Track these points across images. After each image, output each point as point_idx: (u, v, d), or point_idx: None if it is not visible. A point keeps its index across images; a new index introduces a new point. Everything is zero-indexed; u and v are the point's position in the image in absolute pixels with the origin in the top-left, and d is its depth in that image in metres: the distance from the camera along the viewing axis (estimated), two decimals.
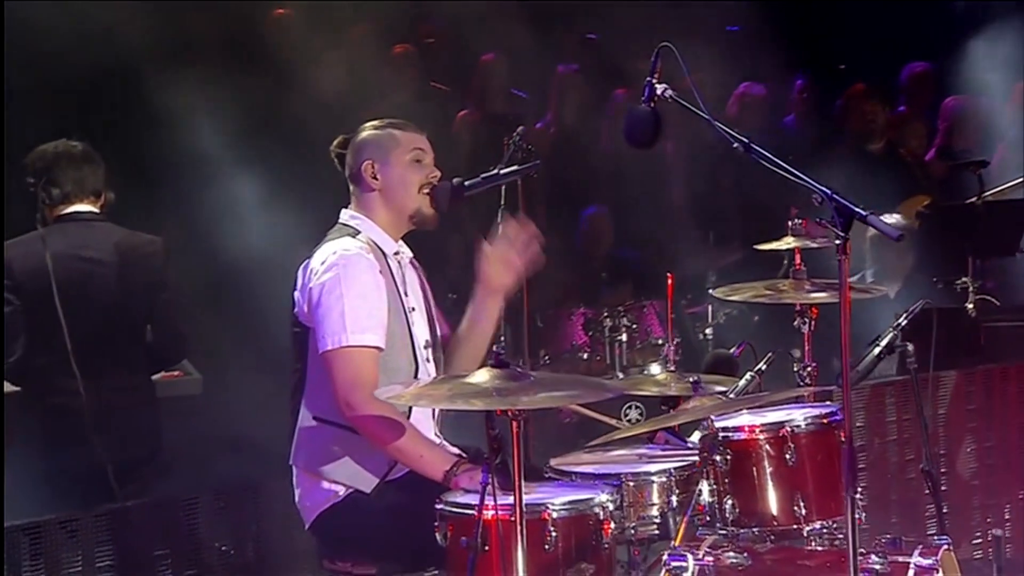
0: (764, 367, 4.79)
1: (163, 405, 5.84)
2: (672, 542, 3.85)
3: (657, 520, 4.34)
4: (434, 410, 4.52)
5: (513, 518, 3.73)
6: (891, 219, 7.72)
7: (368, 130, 4.55)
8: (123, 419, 5.39)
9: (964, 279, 7.03)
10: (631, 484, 4.37)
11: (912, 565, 3.95)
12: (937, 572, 3.93)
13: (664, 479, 4.38)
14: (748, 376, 4.77)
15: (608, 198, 8.80)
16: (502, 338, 7.69)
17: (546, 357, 7.87)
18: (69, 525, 4.75)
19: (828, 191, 3.59)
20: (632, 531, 4.36)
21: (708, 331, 8.12)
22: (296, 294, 4.40)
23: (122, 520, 4.87)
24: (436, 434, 4.52)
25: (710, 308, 8.12)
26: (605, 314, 7.72)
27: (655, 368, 7.42)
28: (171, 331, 5.63)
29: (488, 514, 3.73)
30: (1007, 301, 7.30)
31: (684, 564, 3.75)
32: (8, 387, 5.48)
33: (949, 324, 6.93)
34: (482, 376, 3.65)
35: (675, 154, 9.58)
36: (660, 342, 7.85)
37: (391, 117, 8.18)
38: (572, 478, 4.38)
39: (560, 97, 9.17)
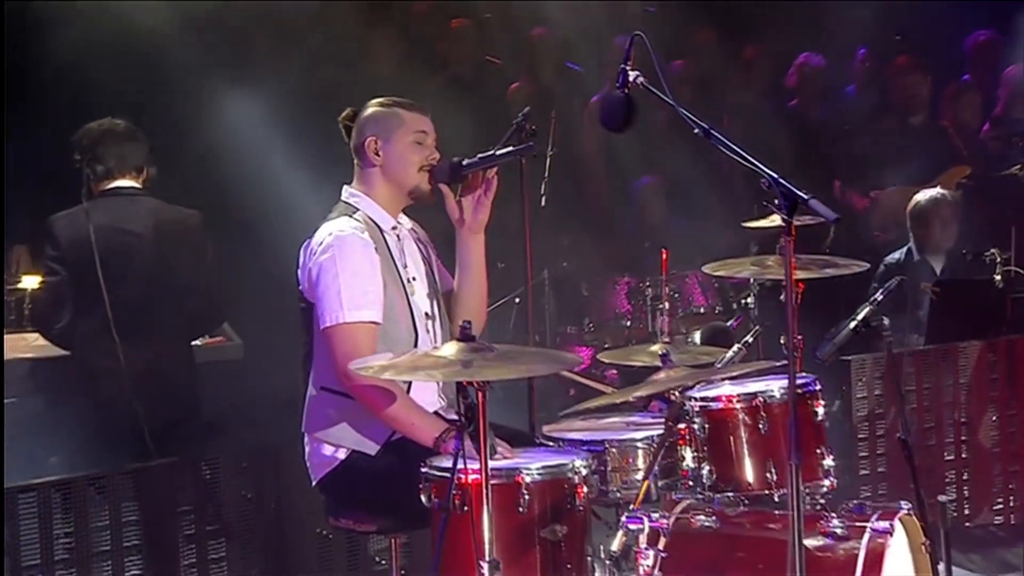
0: (751, 340, 4.96)
1: (206, 370, 6.10)
2: (632, 505, 3.99)
3: (637, 484, 4.55)
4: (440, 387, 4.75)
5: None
6: (932, 191, 7.81)
7: (375, 107, 4.70)
8: (161, 383, 5.60)
9: (992, 251, 7.08)
10: (615, 450, 4.60)
11: (868, 528, 4.12)
12: (891, 535, 4.09)
13: (647, 445, 4.59)
14: (735, 348, 4.94)
15: (662, 168, 8.94)
16: (545, 307, 7.98)
17: (590, 324, 8.08)
18: (98, 482, 5.02)
19: (774, 176, 3.72)
20: (617, 494, 4.59)
21: (750, 299, 8.23)
22: (299, 273, 4.62)
23: (147, 478, 5.13)
24: (440, 400, 4.75)
25: (752, 278, 8.23)
26: (647, 283, 7.89)
27: (697, 336, 7.63)
28: (209, 300, 5.85)
29: (465, 478, 3.92)
30: None
31: (640, 526, 3.92)
32: (58, 351, 5.76)
33: (976, 295, 7.04)
34: (449, 349, 3.86)
35: (731, 124, 9.72)
36: (702, 310, 8.03)
37: (446, 89, 8.44)
38: (560, 445, 4.60)
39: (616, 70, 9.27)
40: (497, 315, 7.72)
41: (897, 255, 7.83)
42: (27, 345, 6.04)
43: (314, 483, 4.68)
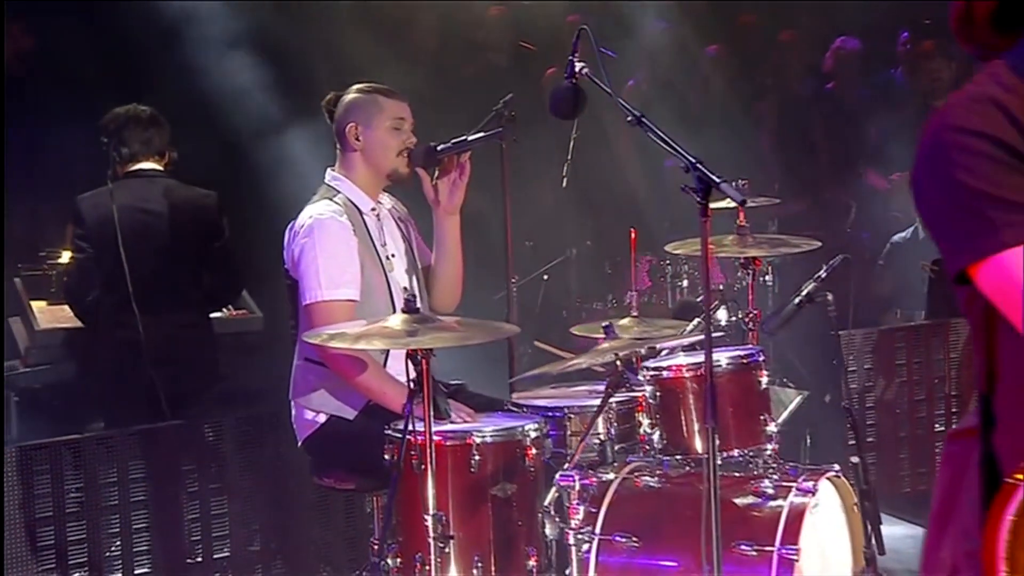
0: (712, 313, 5.17)
1: (228, 340, 6.43)
2: (566, 464, 4.22)
3: (598, 447, 4.79)
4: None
5: (442, 442, 4.26)
6: None
7: (355, 93, 4.95)
8: (179, 353, 5.88)
9: None
10: (574, 416, 4.84)
11: (793, 488, 4.32)
12: (814, 494, 4.29)
13: (606, 411, 4.82)
14: (696, 321, 5.16)
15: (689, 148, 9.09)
16: (572, 284, 8.22)
17: (613, 301, 8.29)
18: (106, 442, 5.36)
19: (692, 160, 3.93)
20: (575, 457, 4.82)
21: (768, 277, 8.37)
22: (284, 253, 4.92)
23: (153, 438, 5.46)
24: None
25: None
26: (668, 261, 8.08)
27: (720, 313, 7.81)
28: (225, 274, 6.13)
29: (415, 439, 4.19)
30: None
31: (572, 484, 4.15)
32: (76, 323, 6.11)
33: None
34: (395, 320, 4.13)
35: (767, 107, 9.86)
36: (721, 288, 8.20)
37: (481, 74, 8.60)
38: (524, 410, 4.85)
39: (650, 55, 9.47)
40: (527, 289, 7.98)
41: (904, 234, 7.96)
42: (65, 316, 6.36)
43: (299, 444, 4.98)
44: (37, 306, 6.54)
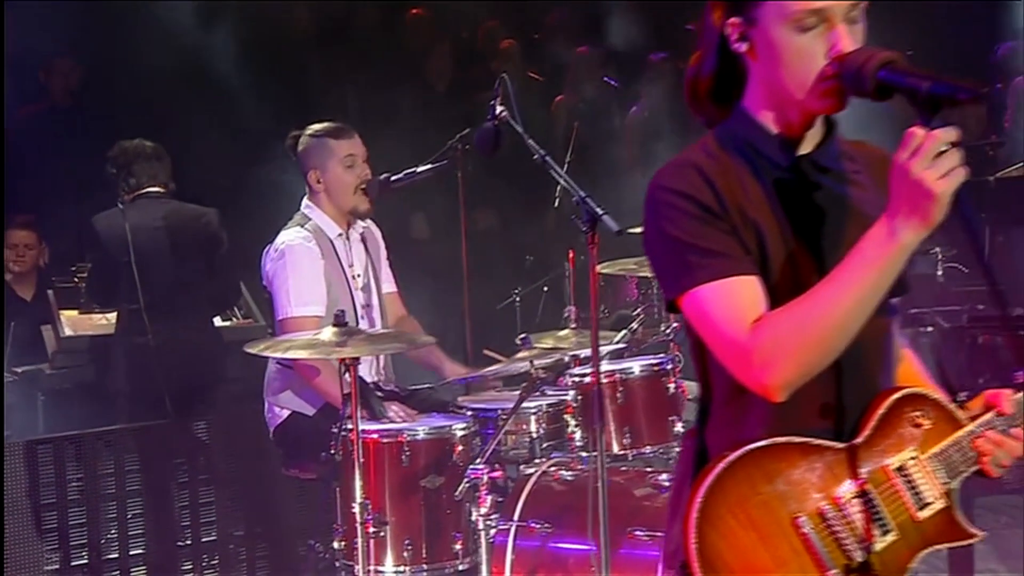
0: (636, 327, 5.56)
1: (236, 346, 6.88)
2: (478, 460, 4.63)
3: (528, 444, 5.21)
4: (378, 358, 5.47)
5: (378, 440, 4.71)
6: None
7: (307, 139, 5.41)
8: (184, 356, 6.27)
9: (936, 249, 7.47)
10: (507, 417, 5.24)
11: None
12: None
13: (537, 412, 5.24)
14: (623, 333, 5.55)
15: None
16: (568, 295, 8.60)
17: (605, 311, 8.67)
18: (105, 437, 5.85)
19: (582, 195, 4.33)
20: (511, 452, 5.25)
21: None
22: (262, 270, 5.40)
23: (148, 434, 5.94)
24: (378, 375, 5.47)
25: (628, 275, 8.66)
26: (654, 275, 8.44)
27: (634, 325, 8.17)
28: (225, 283, 6.58)
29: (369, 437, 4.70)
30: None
31: (481, 477, 4.57)
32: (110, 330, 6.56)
33: (918, 288, 7.45)
34: (327, 333, 4.57)
35: None
36: (635, 302, 8.55)
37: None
38: (464, 412, 5.28)
39: (648, 84, 9.85)
40: (529, 300, 8.39)
41: None
42: (89, 323, 6.86)
43: (270, 435, 5.44)
44: (67, 315, 7.03)
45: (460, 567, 4.76)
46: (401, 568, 4.69)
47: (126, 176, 6.38)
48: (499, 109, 4.88)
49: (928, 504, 2.53)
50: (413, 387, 5.59)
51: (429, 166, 5.42)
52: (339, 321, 4.54)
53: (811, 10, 2.42)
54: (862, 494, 2.49)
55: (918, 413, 2.56)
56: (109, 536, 5.81)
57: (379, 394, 5.19)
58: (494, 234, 9.21)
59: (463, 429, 4.87)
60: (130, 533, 5.85)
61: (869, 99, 2.39)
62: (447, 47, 9.64)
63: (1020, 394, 2.59)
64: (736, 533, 2.44)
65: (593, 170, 9.34)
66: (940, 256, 7.38)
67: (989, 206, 7.96)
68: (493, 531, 4.61)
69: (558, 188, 8.57)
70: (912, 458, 2.53)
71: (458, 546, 4.77)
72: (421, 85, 9.38)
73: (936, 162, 2.25)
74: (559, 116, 9.60)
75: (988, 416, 2.57)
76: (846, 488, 2.49)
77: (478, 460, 4.61)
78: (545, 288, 8.79)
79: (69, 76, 8.80)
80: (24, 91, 8.18)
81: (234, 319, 7.08)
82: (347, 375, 4.48)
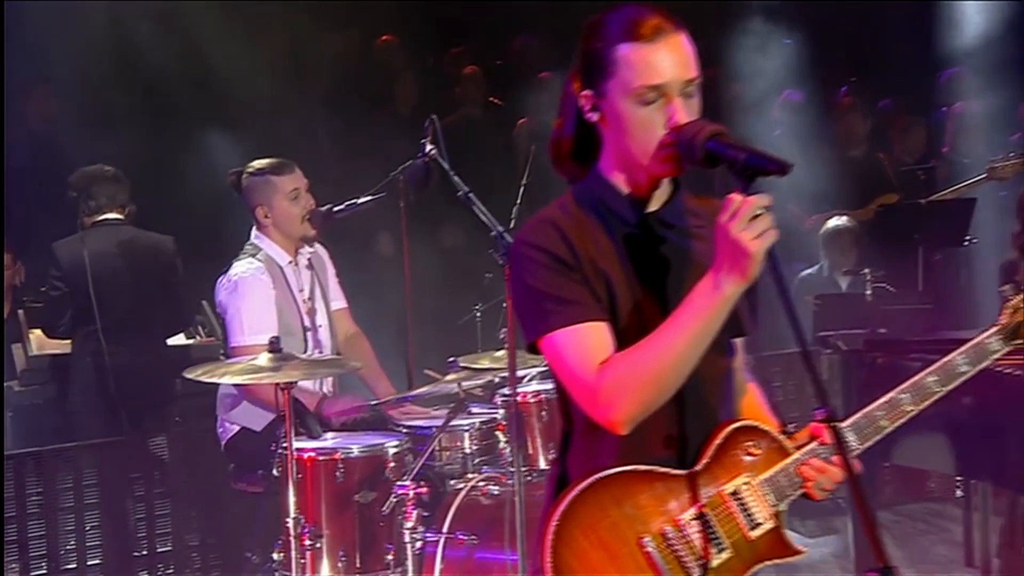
0: None
1: (200, 363, 7.11)
2: (406, 476, 4.88)
3: (461, 460, 5.47)
4: (322, 381, 5.72)
5: (314, 457, 4.96)
6: (837, 220, 8.50)
7: (252, 175, 5.65)
8: (139, 375, 6.49)
9: (866, 270, 7.74)
10: (444, 434, 5.48)
11: None
12: None
13: (470, 431, 5.49)
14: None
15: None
16: None
17: None
18: (64, 453, 6.10)
19: (499, 230, 4.58)
20: (444, 468, 5.51)
21: None
22: (215, 298, 5.66)
23: (105, 450, 6.19)
24: (326, 391, 5.72)
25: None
26: None
27: None
28: (179, 307, 6.84)
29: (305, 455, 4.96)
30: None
31: (407, 492, 4.83)
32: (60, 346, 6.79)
33: (848, 308, 7.74)
34: (262, 359, 4.82)
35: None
36: None
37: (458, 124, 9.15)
38: (401, 430, 5.53)
39: None
40: (490, 315, 8.62)
41: (810, 271, 8.52)
42: (52, 343, 7.06)
43: (222, 449, 5.69)
44: (35, 334, 7.27)
45: None
46: None
47: (86, 199, 6.55)
48: (429, 147, 5.14)
49: (759, 524, 2.80)
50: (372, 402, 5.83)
51: (370, 197, 5.66)
52: (274, 347, 4.78)
53: (651, 86, 2.68)
54: (700, 516, 2.76)
55: (751, 443, 2.82)
56: (67, 547, 6.05)
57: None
58: (459, 251, 9.41)
59: (396, 446, 5.12)
60: (88, 544, 6.08)
61: (700, 167, 2.64)
62: (413, 73, 9.88)
63: (841, 425, 2.86)
64: (587, 552, 2.71)
65: (552, 191, 9.57)
66: (869, 277, 7.64)
67: (922, 227, 8.23)
68: (419, 543, 4.86)
69: (514, 208, 8.86)
70: (745, 483, 2.80)
71: (390, 557, 5.00)
72: (388, 110, 9.61)
73: (751, 224, 2.51)
74: (521, 140, 9.84)
75: (812, 445, 2.83)
76: (686, 511, 2.75)
77: (405, 477, 4.86)
78: (504, 304, 9.00)
79: (46, 102, 9.04)
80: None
81: (198, 336, 7.31)
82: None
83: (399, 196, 5.92)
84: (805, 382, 7.39)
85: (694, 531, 2.75)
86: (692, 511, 2.76)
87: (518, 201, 8.89)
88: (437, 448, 5.50)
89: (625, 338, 2.73)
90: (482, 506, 5.15)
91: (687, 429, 2.79)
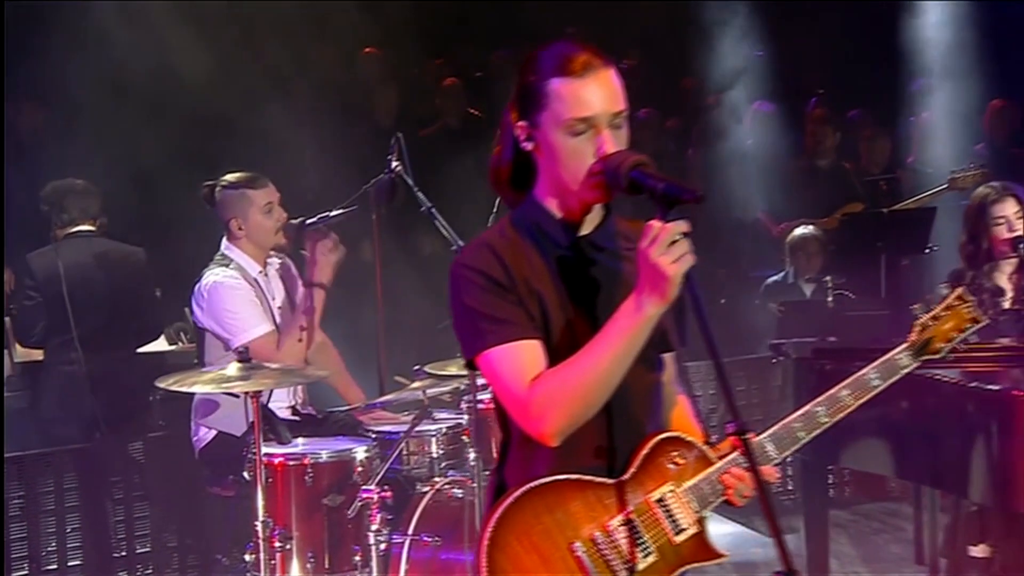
0: None
1: (179, 368, 7.22)
2: (371, 481, 5.02)
3: (428, 464, 5.61)
4: (293, 389, 5.85)
5: (285, 462, 5.10)
6: (803, 229, 8.65)
7: (226, 188, 5.77)
8: (114, 382, 6.61)
9: (828, 278, 7.90)
10: (410, 440, 5.63)
11: None
12: None
13: (436, 436, 5.64)
14: None
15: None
16: None
17: None
18: (45, 458, 6.23)
19: (460, 244, 4.72)
20: (412, 472, 5.65)
21: None
22: (192, 306, 5.78)
23: (85, 454, 6.32)
24: (296, 399, 5.86)
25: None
26: None
27: None
28: (150, 316, 6.97)
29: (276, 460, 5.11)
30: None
31: (372, 497, 4.97)
32: (33, 355, 6.91)
33: (811, 313, 7.89)
34: (232, 368, 4.95)
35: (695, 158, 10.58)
36: None
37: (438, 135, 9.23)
38: (371, 435, 5.67)
39: None
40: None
41: (776, 278, 8.67)
42: (25, 352, 7.17)
43: (196, 455, 5.82)
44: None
45: None
46: None
47: (59, 212, 6.68)
48: (395, 164, 5.29)
49: (684, 530, 2.95)
50: (329, 410, 5.98)
51: (341, 210, 5.78)
52: (243, 357, 4.92)
53: (580, 118, 2.83)
54: (628, 522, 2.90)
55: (676, 453, 2.97)
56: (49, 549, 6.17)
57: (296, 418, 5.57)
58: (435, 260, 9.52)
59: (364, 452, 5.27)
60: (69, 546, 6.21)
61: (625, 194, 2.79)
62: (395, 84, 10.00)
63: (759, 436, 3.01)
64: (521, 557, 2.86)
65: None
66: (831, 284, 7.79)
67: (884, 236, 8.37)
68: (383, 545, 5.00)
69: (491, 217, 8.97)
70: (670, 491, 2.95)
71: (357, 558, 5.15)
72: (370, 120, 9.72)
73: (669, 249, 2.66)
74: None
75: (733, 455, 2.98)
76: (615, 517, 2.90)
77: (371, 482, 5.00)
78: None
79: (34, 115, 9.17)
80: None
81: (180, 343, 7.44)
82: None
83: (372, 208, 6.03)
84: (768, 386, 7.55)
85: (622, 536, 2.89)
86: (620, 517, 2.90)
87: (494, 210, 9.05)
88: (405, 452, 5.64)
89: (558, 355, 2.87)
90: (446, 509, 5.29)
91: (616, 440, 2.93)
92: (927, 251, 8.58)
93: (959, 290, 3.33)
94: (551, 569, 2.86)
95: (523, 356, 2.85)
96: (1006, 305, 5.80)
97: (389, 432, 5.66)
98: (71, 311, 6.48)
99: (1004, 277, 5.84)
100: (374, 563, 5.01)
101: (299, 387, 5.90)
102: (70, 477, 6.23)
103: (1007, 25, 10.31)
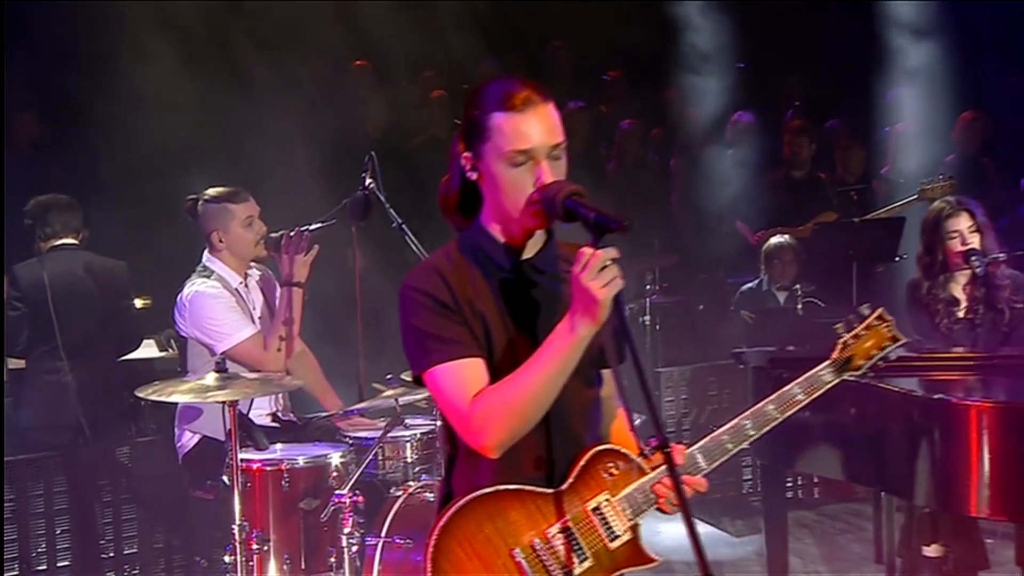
0: None
1: (164, 375, 7.36)
2: (344, 486, 5.16)
3: (402, 469, 5.75)
4: (274, 396, 5.99)
5: (262, 467, 5.24)
6: (777, 238, 8.78)
7: (208, 202, 5.90)
8: (98, 388, 6.67)
9: (797, 286, 8.03)
10: (387, 445, 5.76)
11: None
12: None
13: (411, 441, 5.77)
14: None
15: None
16: None
17: None
18: (34, 463, 6.35)
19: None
20: (388, 476, 5.79)
21: (646, 318, 9.07)
22: (175, 315, 5.89)
23: (73, 459, 6.45)
24: (276, 405, 6.00)
25: (648, 301, 9.12)
26: None
27: None
28: (129, 327, 7.08)
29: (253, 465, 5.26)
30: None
31: (344, 500, 5.11)
32: (16, 363, 7.01)
33: (781, 321, 8.02)
34: (210, 378, 5.09)
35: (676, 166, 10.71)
36: None
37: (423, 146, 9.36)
38: (348, 441, 5.80)
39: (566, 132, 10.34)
40: None
41: (750, 284, 8.80)
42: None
43: (180, 461, 5.96)
44: None
45: None
46: None
47: (42, 226, 6.80)
48: (368, 182, 5.43)
49: (618, 536, 3.09)
50: (309, 416, 6.13)
51: (320, 224, 5.91)
52: (219, 367, 5.06)
53: (520, 150, 2.97)
54: (565, 530, 3.05)
55: (611, 464, 3.11)
56: (38, 551, 6.30)
57: (276, 424, 5.71)
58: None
59: (340, 457, 5.41)
60: (58, 547, 6.35)
61: (562, 221, 2.93)
62: (384, 96, 10.14)
63: (690, 448, 3.15)
64: (464, 563, 3.01)
65: None
66: (800, 292, 7.92)
67: (855, 244, 8.49)
68: (356, 548, 5.14)
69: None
70: (606, 500, 3.09)
71: (332, 559, 5.27)
72: (359, 131, 9.85)
73: (600, 274, 2.80)
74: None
75: (664, 467, 3.11)
76: (553, 525, 3.04)
77: (344, 486, 5.14)
78: None
79: (31, 127, 9.32)
80: None
81: (170, 350, 7.57)
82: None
83: (350, 222, 6.15)
84: (740, 392, 7.68)
85: (559, 543, 3.03)
86: (558, 525, 3.04)
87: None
88: (381, 457, 5.78)
89: (500, 372, 3.01)
90: (417, 512, 5.41)
91: (555, 452, 3.07)
92: (897, 259, 8.70)
93: (879, 310, 3.47)
94: (492, 573, 2.99)
95: (466, 373, 3.00)
96: (960, 315, 5.94)
97: (365, 438, 5.79)
98: (56, 321, 6.60)
99: (959, 288, 5.98)
100: (346, 565, 5.13)
101: (280, 394, 6.03)
102: (59, 481, 6.36)
103: (980, 36, 10.44)
